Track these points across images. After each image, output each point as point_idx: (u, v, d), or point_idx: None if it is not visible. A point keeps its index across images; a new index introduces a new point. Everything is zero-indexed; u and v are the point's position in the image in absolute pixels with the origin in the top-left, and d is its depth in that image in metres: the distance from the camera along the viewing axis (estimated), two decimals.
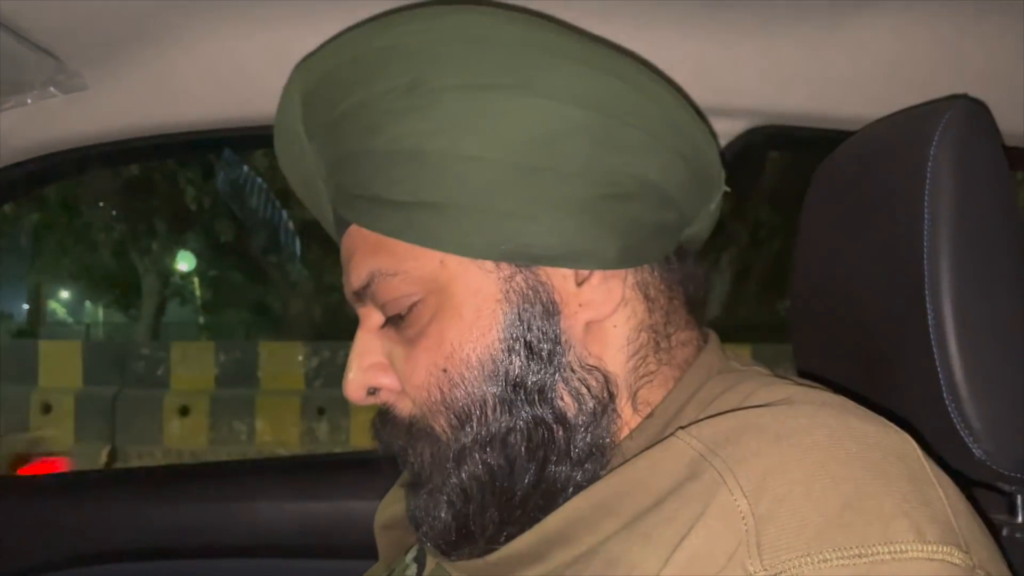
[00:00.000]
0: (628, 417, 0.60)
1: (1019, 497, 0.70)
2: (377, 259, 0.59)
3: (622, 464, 0.54)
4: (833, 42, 0.96)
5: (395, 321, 0.60)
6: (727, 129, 1.05)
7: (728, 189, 0.67)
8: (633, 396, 0.60)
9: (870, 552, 0.42)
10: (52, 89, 0.94)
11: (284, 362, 6.64)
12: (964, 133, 0.65)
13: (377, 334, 0.63)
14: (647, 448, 0.53)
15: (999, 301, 0.64)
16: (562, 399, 0.58)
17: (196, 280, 11.98)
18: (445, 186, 0.55)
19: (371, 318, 0.63)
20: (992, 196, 0.65)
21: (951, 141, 0.64)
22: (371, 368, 0.62)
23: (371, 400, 0.63)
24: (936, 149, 0.64)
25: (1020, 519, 0.70)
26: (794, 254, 0.86)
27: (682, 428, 0.52)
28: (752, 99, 1.01)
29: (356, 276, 0.61)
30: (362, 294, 0.61)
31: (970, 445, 0.62)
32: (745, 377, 0.59)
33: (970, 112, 0.66)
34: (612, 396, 0.59)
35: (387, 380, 0.62)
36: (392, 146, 0.56)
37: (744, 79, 0.99)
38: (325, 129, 0.60)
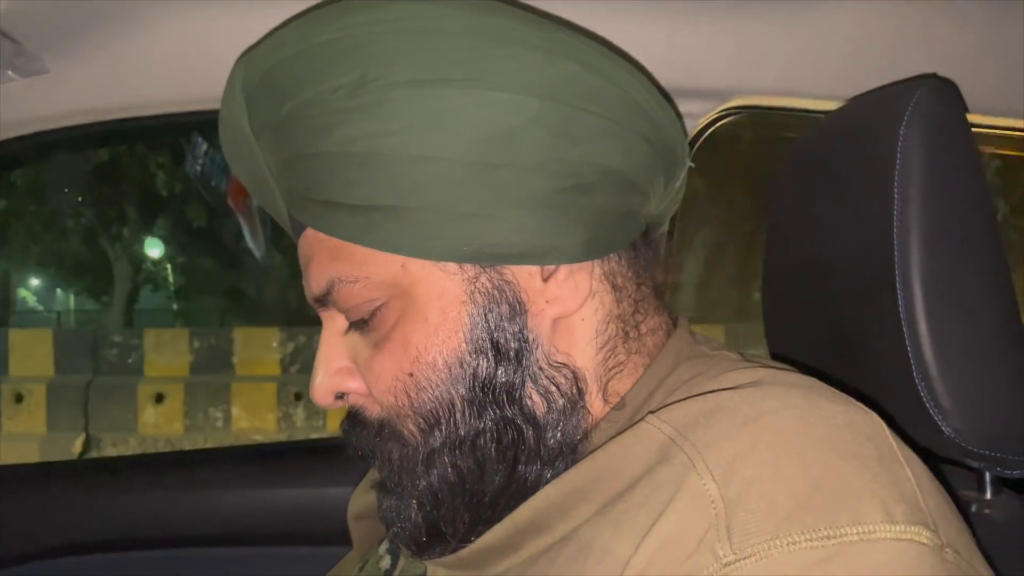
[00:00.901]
0: (598, 411, 0.59)
1: (987, 474, 0.71)
2: (336, 265, 0.58)
3: (593, 451, 0.54)
4: (804, 22, 0.96)
5: (359, 326, 0.59)
6: (698, 110, 1.05)
7: (693, 165, 0.66)
8: (603, 389, 0.59)
9: (839, 534, 0.42)
10: (11, 73, 0.92)
11: (259, 348, 6.58)
12: (934, 112, 0.65)
13: (342, 337, 0.61)
14: (617, 435, 0.53)
15: (968, 280, 0.64)
16: (531, 398, 0.57)
17: (169, 266, 11.86)
18: (401, 189, 0.53)
19: (335, 321, 0.61)
20: (961, 175, 0.65)
21: (921, 120, 0.64)
22: (338, 373, 0.61)
23: (339, 404, 0.63)
24: (906, 129, 0.64)
25: (988, 495, 0.71)
26: (766, 235, 0.86)
27: (652, 413, 0.52)
28: (724, 80, 1.01)
29: (316, 283, 0.59)
30: (324, 300, 0.60)
31: (939, 422, 0.63)
32: (714, 362, 0.59)
33: (939, 91, 0.66)
34: (581, 392, 0.58)
35: (354, 384, 0.61)
36: (344, 148, 0.54)
37: (715, 60, 0.99)
38: (272, 129, 0.57)
